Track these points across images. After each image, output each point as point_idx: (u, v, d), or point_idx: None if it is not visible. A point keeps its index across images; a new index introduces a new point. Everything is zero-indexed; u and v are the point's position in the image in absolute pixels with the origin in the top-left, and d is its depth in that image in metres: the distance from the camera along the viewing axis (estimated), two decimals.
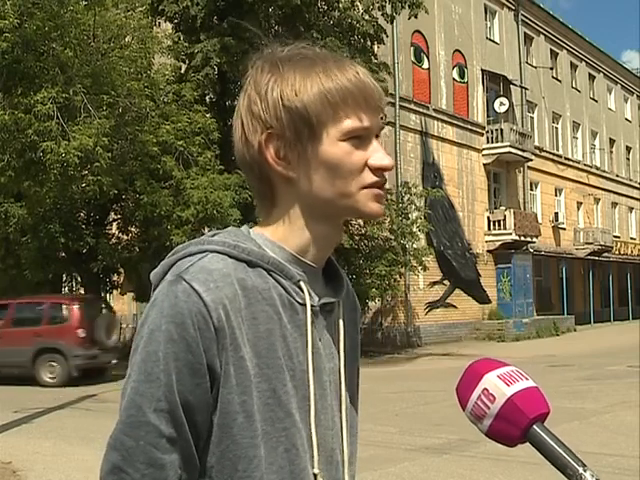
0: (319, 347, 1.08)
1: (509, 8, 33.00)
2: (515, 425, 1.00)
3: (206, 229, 16.89)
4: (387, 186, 0.99)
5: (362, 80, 1.06)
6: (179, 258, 1.04)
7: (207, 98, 20.16)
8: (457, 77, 29.43)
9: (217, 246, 1.04)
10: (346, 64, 1.07)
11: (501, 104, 30.72)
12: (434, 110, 27.73)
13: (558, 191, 36.34)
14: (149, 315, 1.01)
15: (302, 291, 1.07)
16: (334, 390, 1.11)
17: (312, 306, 1.07)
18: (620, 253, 39.55)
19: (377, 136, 1.09)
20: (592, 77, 40.78)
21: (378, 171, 1.07)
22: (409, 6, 19.55)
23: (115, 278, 22.76)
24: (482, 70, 30.53)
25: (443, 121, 28.27)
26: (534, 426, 1.00)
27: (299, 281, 1.07)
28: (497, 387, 1.02)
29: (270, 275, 1.05)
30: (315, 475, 1.04)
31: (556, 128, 36.91)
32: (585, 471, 0.96)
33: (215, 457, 1.01)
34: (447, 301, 26.93)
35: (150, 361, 0.98)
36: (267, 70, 1.07)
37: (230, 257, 1.03)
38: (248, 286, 1.02)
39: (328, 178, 1.05)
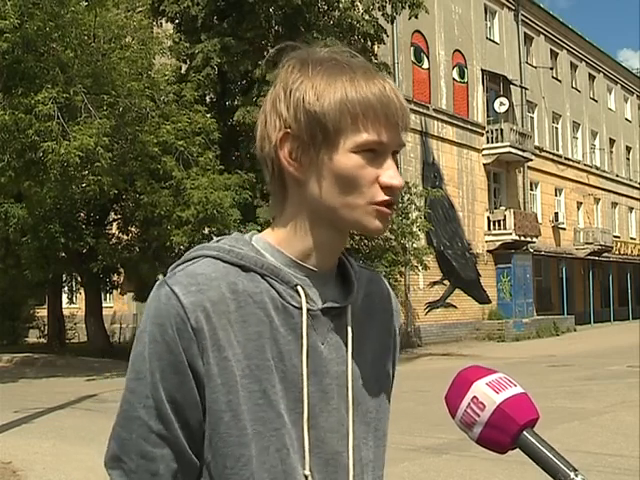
0: (321, 350, 1.08)
1: (509, 8, 33.02)
2: (505, 432, 1.00)
3: (206, 229, 16.91)
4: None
5: (387, 95, 1.05)
6: (178, 264, 1.08)
7: (207, 98, 20.17)
8: (457, 77, 29.44)
9: (212, 251, 1.08)
10: (375, 77, 1.07)
11: (501, 104, 30.73)
12: (434, 110, 27.74)
13: (558, 191, 36.34)
14: (143, 318, 1.07)
15: (299, 295, 1.07)
16: (342, 394, 1.10)
17: (310, 310, 1.08)
18: (620, 253, 39.54)
19: (396, 152, 1.08)
20: (592, 77, 40.78)
21: (387, 189, 1.05)
22: (409, 6, 19.55)
23: (115, 278, 22.82)
24: (482, 70, 30.54)
25: (443, 121, 28.27)
26: (524, 432, 1.00)
27: (296, 285, 1.07)
28: (486, 395, 1.02)
29: (264, 279, 1.07)
30: (306, 477, 1.05)
31: (556, 128, 36.91)
32: (577, 475, 0.96)
33: (210, 454, 1.04)
34: (447, 301, 26.94)
35: (138, 360, 1.05)
36: (297, 70, 1.07)
37: (223, 262, 1.06)
38: (239, 290, 1.05)
39: (336, 187, 1.05)
